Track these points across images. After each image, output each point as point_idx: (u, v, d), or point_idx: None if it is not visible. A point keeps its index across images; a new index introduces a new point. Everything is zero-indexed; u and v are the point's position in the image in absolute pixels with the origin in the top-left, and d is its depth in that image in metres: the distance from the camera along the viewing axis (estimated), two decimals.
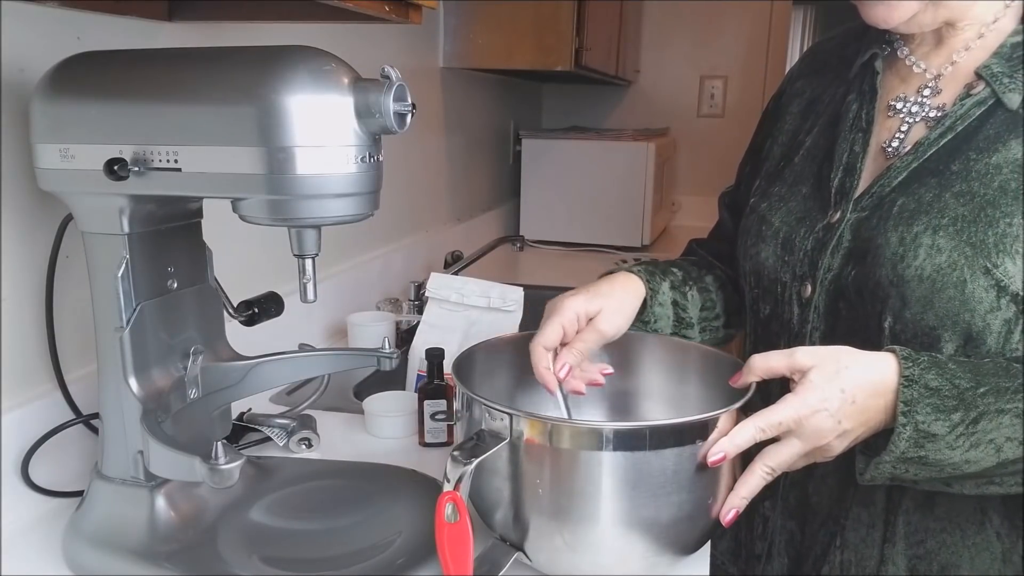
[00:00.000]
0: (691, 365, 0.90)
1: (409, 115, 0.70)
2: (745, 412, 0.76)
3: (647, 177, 2.57)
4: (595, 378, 0.88)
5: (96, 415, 0.84)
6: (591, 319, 0.85)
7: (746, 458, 0.74)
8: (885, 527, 0.84)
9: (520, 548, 0.75)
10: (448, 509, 0.68)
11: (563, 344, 0.84)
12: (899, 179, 0.82)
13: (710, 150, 3.04)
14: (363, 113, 0.69)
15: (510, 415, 0.71)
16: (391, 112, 0.69)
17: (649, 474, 0.69)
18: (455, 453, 0.69)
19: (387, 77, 0.69)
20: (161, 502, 0.79)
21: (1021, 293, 0.74)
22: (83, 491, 0.83)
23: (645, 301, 0.92)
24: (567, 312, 0.84)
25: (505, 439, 0.71)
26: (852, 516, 0.86)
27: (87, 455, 0.96)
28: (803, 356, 0.72)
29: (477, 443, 0.71)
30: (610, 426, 0.74)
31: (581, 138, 2.64)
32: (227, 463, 0.67)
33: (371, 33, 1.63)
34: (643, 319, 0.93)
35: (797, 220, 0.89)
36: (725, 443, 0.70)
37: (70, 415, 0.93)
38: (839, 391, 0.70)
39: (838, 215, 0.85)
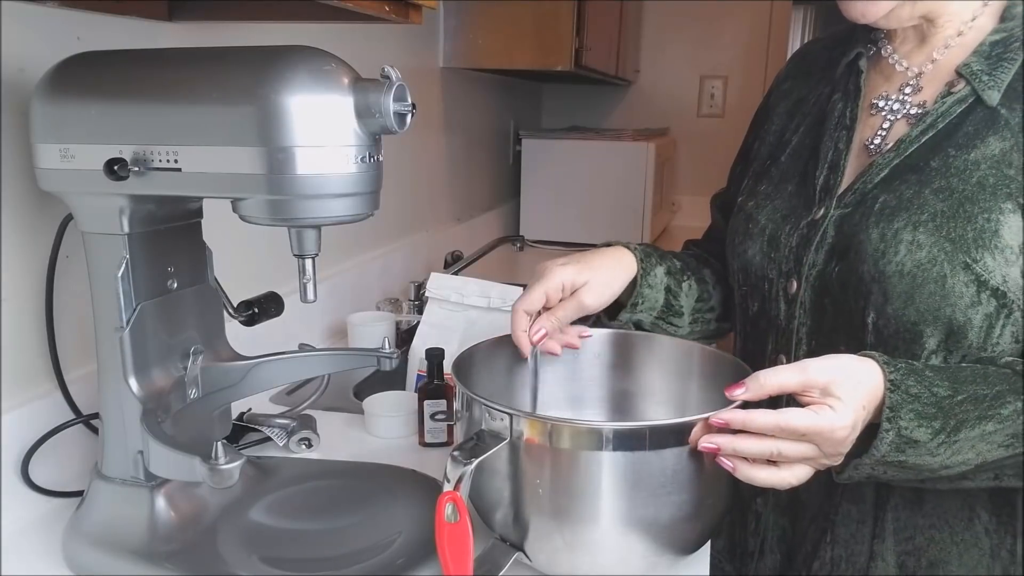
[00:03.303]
0: (693, 365, 0.90)
1: (409, 115, 0.70)
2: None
3: (647, 177, 2.57)
4: (572, 341, 0.89)
5: (96, 415, 0.84)
6: (576, 290, 0.86)
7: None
8: (874, 523, 0.85)
9: (520, 548, 0.75)
10: (448, 509, 0.68)
11: (545, 309, 0.85)
12: (881, 176, 0.82)
13: (710, 150, 3.03)
14: (363, 113, 0.69)
15: (510, 415, 0.71)
16: (391, 112, 0.69)
17: (649, 474, 0.69)
18: (455, 453, 0.69)
19: (387, 77, 0.69)
20: (161, 502, 0.79)
21: (1001, 288, 0.74)
22: (83, 491, 0.83)
23: (635, 280, 0.92)
24: (553, 279, 0.84)
25: (505, 439, 0.71)
26: (842, 512, 0.86)
27: (87, 455, 0.96)
28: (816, 372, 0.69)
29: (477, 443, 0.71)
30: (610, 426, 0.74)
31: (581, 138, 2.64)
32: (227, 463, 0.67)
33: (371, 33, 1.63)
34: (632, 301, 0.93)
35: (783, 217, 0.90)
36: (725, 441, 0.68)
37: (70, 415, 0.93)
38: (861, 408, 0.69)
39: (822, 211, 0.85)
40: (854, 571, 0.86)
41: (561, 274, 0.85)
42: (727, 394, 0.71)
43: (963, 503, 0.82)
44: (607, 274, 0.89)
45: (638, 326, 0.98)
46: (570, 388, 0.94)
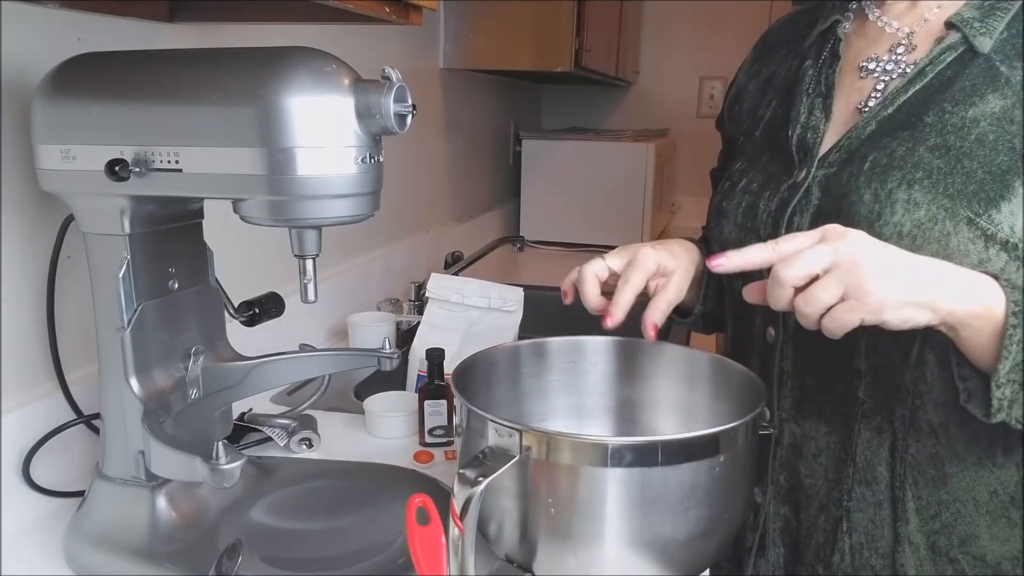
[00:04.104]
0: (698, 374, 0.87)
1: (409, 116, 0.70)
2: (753, 427, 0.73)
3: (647, 178, 2.57)
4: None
5: (97, 415, 0.84)
6: (668, 277, 0.86)
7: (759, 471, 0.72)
8: (894, 505, 0.81)
9: (528, 570, 0.72)
10: (418, 512, 0.66)
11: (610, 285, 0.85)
12: (869, 130, 0.80)
13: (710, 151, 3.00)
14: (363, 114, 0.69)
15: (520, 431, 0.67)
16: (391, 113, 0.69)
17: (667, 490, 0.66)
18: (463, 472, 0.65)
19: (387, 78, 0.69)
20: (162, 502, 0.80)
21: (1011, 239, 0.72)
22: (84, 491, 0.83)
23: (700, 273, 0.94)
24: (648, 263, 0.83)
25: (515, 457, 0.67)
26: (856, 497, 0.83)
27: (88, 455, 0.96)
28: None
29: (485, 461, 0.67)
30: (626, 441, 0.70)
31: (581, 139, 2.64)
32: (228, 463, 0.67)
33: (371, 34, 1.63)
34: (703, 292, 0.95)
35: (760, 186, 0.88)
36: (732, 254, 0.68)
37: (71, 415, 0.94)
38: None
39: (803, 173, 0.83)
40: (878, 559, 0.83)
41: (655, 257, 0.84)
42: (709, 263, 0.71)
43: (987, 474, 0.79)
44: (687, 262, 0.89)
45: (707, 319, 0.98)
46: (572, 398, 0.91)
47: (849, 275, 0.64)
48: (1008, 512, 0.80)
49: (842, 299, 0.65)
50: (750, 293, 0.72)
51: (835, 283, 0.65)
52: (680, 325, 1.01)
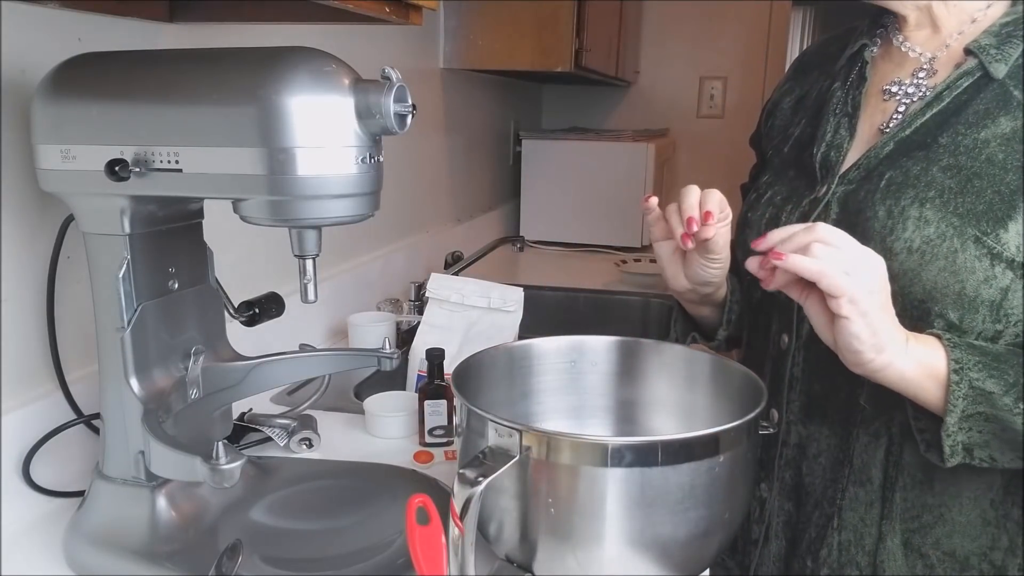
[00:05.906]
0: (697, 374, 0.88)
1: (409, 116, 0.71)
2: (754, 427, 0.74)
3: (647, 178, 2.57)
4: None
5: (97, 415, 0.84)
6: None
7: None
8: (883, 504, 0.84)
9: (528, 569, 0.72)
10: (418, 512, 0.66)
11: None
12: (887, 150, 0.83)
13: (710, 151, 3.03)
14: (363, 114, 0.69)
15: (520, 431, 0.67)
16: (391, 113, 0.69)
17: (667, 490, 0.66)
18: (463, 472, 0.65)
19: (387, 78, 0.69)
20: (162, 502, 0.80)
21: (1017, 259, 0.75)
22: (84, 491, 0.83)
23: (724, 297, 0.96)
24: (728, 208, 0.86)
25: (515, 457, 0.67)
26: (849, 496, 0.86)
27: (88, 455, 0.96)
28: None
29: (485, 461, 0.67)
30: (626, 441, 0.70)
31: (581, 139, 2.64)
32: (228, 463, 0.67)
33: (371, 34, 1.63)
34: (726, 317, 0.97)
35: (783, 200, 0.91)
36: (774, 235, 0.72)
37: (71, 415, 0.94)
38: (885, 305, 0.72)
39: (824, 188, 0.86)
40: (864, 556, 0.86)
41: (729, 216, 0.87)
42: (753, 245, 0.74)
43: (978, 480, 0.82)
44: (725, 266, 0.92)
45: (728, 342, 1.00)
46: (571, 398, 0.92)
47: (851, 276, 0.69)
48: (986, 513, 0.83)
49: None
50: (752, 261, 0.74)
51: (840, 283, 0.69)
52: (701, 344, 1.03)
